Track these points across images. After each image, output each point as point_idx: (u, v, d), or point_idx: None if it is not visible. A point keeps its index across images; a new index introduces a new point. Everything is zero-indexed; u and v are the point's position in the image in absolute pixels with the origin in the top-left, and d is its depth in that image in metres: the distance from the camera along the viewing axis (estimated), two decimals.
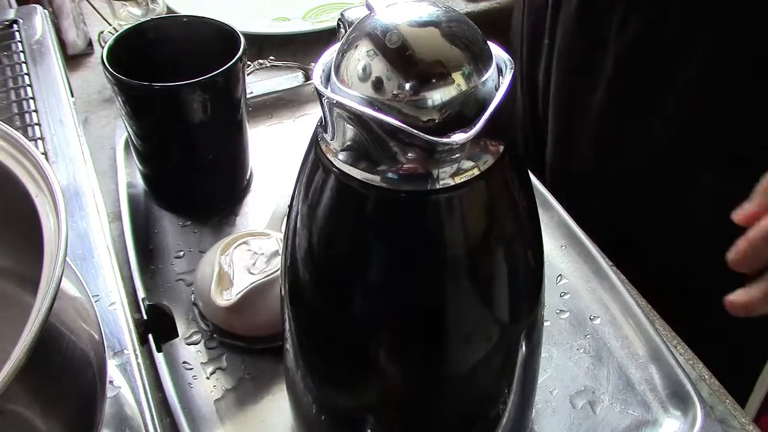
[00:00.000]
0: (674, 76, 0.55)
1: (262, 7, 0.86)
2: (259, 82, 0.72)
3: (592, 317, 0.50)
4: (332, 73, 0.29)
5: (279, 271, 0.46)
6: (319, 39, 0.79)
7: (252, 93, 0.69)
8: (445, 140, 0.25)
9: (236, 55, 0.52)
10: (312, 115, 0.69)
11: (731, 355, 0.57)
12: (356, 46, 0.28)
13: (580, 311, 0.51)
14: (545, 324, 0.49)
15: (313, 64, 0.76)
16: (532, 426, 0.44)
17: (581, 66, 0.62)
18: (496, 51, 0.29)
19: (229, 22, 0.56)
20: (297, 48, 0.79)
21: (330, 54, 0.30)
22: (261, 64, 0.72)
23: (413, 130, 0.25)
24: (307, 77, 0.72)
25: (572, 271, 0.53)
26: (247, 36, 0.55)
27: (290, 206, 0.33)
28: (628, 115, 0.60)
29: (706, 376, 0.47)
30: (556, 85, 0.65)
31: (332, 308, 0.32)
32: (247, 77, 0.55)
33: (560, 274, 0.53)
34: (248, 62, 0.69)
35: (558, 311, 0.51)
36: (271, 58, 0.73)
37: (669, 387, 0.45)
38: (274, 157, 0.63)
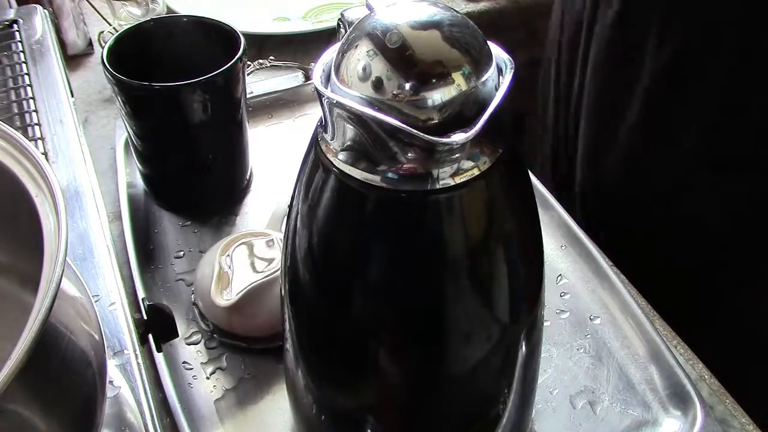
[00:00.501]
0: (708, 85, 0.55)
1: (262, 7, 0.86)
2: (259, 82, 0.72)
3: (592, 317, 0.50)
4: (332, 73, 0.29)
5: (279, 271, 0.46)
6: (319, 39, 0.79)
7: (252, 93, 0.69)
8: (445, 140, 0.25)
9: (236, 55, 0.52)
10: (312, 115, 0.69)
11: (731, 354, 0.57)
12: (356, 46, 0.28)
13: (580, 311, 0.51)
14: (545, 324, 0.49)
15: (313, 64, 0.76)
16: (532, 426, 0.44)
17: (617, 79, 0.61)
18: (496, 51, 0.29)
19: (229, 22, 0.56)
20: (297, 48, 0.79)
21: (330, 54, 0.30)
22: (261, 64, 0.72)
23: (413, 130, 0.25)
24: (307, 77, 0.72)
25: (572, 271, 0.53)
26: (247, 36, 0.55)
27: (290, 206, 0.33)
28: (663, 128, 0.59)
29: (706, 376, 0.47)
30: (590, 97, 0.64)
31: (332, 308, 0.32)
32: (247, 77, 0.55)
33: (560, 274, 0.53)
34: (248, 62, 0.69)
35: (558, 311, 0.51)
36: (271, 58, 0.73)
37: (669, 387, 0.45)
38: (274, 157, 0.64)
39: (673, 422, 0.44)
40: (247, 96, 0.57)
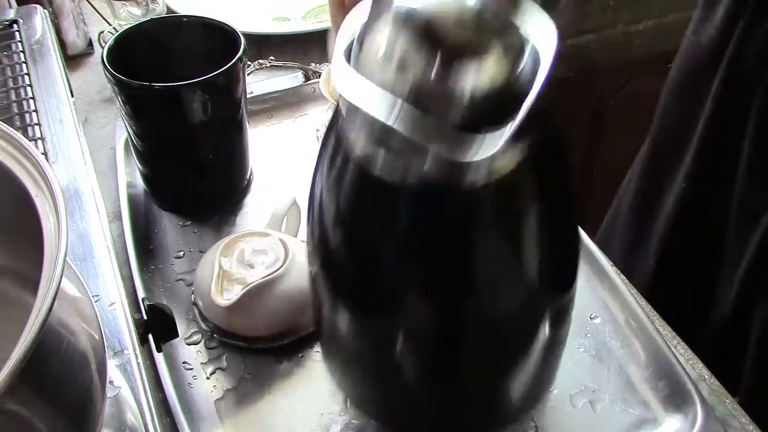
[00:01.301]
0: None
1: (262, 7, 0.86)
2: (259, 82, 0.72)
3: (592, 317, 0.50)
4: (354, 54, 0.26)
5: (279, 271, 0.46)
6: (319, 39, 0.79)
7: (252, 93, 0.68)
8: (475, 136, 0.23)
9: (236, 55, 0.52)
10: (312, 115, 0.69)
11: (731, 355, 0.57)
12: (380, 29, 0.25)
13: (580, 311, 0.50)
14: None
15: (313, 64, 0.76)
16: (532, 424, 0.44)
17: None
18: (534, 29, 0.25)
19: (229, 22, 0.56)
20: (297, 48, 0.79)
21: (345, 38, 0.27)
22: (261, 64, 0.72)
23: (439, 139, 0.24)
24: (307, 77, 0.72)
25: None
26: (247, 36, 0.54)
27: (313, 179, 0.32)
28: None
29: (706, 376, 0.47)
30: None
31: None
32: (247, 77, 0.55)
33: None
34: (248, 62, 0.69)
35: None
36: (271, 58, 0.73)
37: (669, 387, 0.45)
38: (274, 157, 0.63)
39: (673, 422, 0.44)
40: (247, 96, 0.57)
